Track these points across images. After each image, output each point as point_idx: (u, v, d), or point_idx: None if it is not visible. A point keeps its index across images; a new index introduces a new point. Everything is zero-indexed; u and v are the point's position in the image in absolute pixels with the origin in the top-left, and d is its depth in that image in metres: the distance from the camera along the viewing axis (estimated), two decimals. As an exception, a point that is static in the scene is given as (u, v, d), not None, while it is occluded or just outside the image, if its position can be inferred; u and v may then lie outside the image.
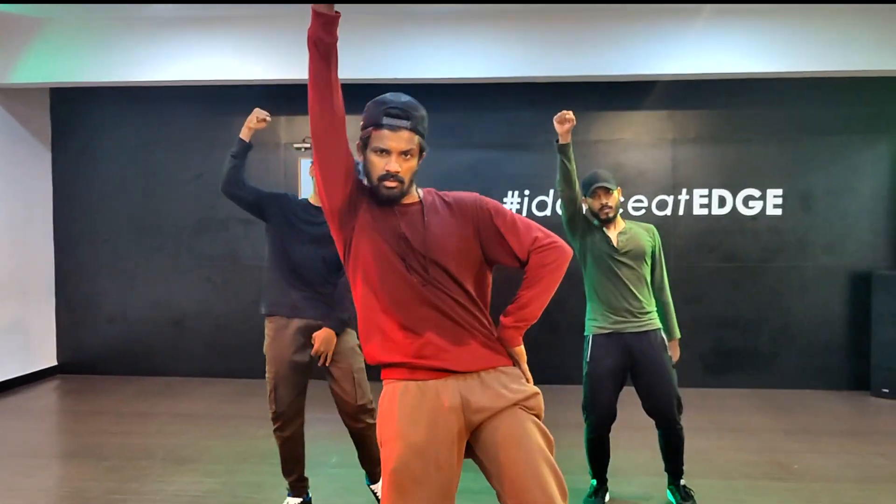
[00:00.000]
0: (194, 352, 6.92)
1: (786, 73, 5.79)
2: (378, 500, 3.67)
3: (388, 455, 2.03)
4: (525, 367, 2.21)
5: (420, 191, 2.20)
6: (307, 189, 7.03)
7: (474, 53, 5.92)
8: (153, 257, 6.95)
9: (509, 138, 6.61)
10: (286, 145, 6.81)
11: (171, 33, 6.10)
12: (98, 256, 6.99)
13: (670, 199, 6.47)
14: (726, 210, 6.45)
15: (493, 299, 2.26)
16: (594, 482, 3.82)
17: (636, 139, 6.51)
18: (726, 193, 6.45)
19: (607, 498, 3.84)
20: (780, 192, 6.40)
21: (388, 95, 2.10)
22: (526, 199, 6.58)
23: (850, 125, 6.31)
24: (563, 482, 1.99)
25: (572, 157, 3.55)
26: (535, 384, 2.17)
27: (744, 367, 6.45)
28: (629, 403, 3.97)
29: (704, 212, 6.45)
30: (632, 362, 3.60)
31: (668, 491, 3.84)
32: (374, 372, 2.33)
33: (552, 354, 6.27)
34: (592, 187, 3.63)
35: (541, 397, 2.13)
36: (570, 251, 2.18)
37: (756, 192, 6.42)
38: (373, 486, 3.76)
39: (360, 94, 6.65)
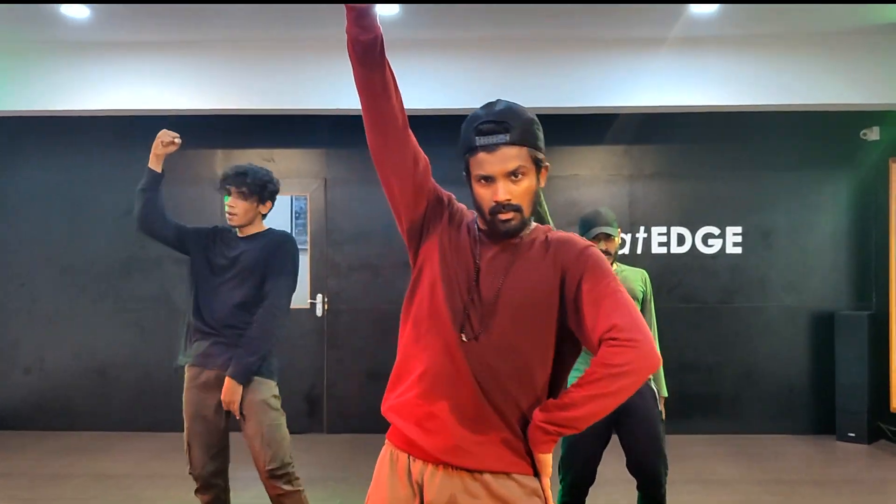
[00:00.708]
0: (119, 404, 6.52)
1: (744, 106, 5.76)
2: None
3: None
4: (547, 482, 1.73)
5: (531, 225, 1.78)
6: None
7: (426, 84, 5.74)
8: (75, 301, 6.55)
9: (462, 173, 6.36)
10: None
11: (95, 60, 5.83)
12: (13, 301, 6.57)
13: (627, 237, 6.35)
14: (685, 248, 6.35)
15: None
16: None
17: (592, 175, 6.41)
18: (685, 231, 6.36)
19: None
20: (739, 229, 6.33)
21: (480, 108, 1.72)
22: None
23: (809, 161, 6.29)
24: None
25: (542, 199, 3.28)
26: None
27: (706, 413, 6.30)
28: (609, 458, 3.67)
29: (663, 250, 6.34)
30: (618, 414, 3.27)
31: None
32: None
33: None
34: (593, 232, 3.34)
35: None
36: (652, 359, 1.58)
37: (715, 230, 6.34)
38: None
39: (297, 127, 6.43)
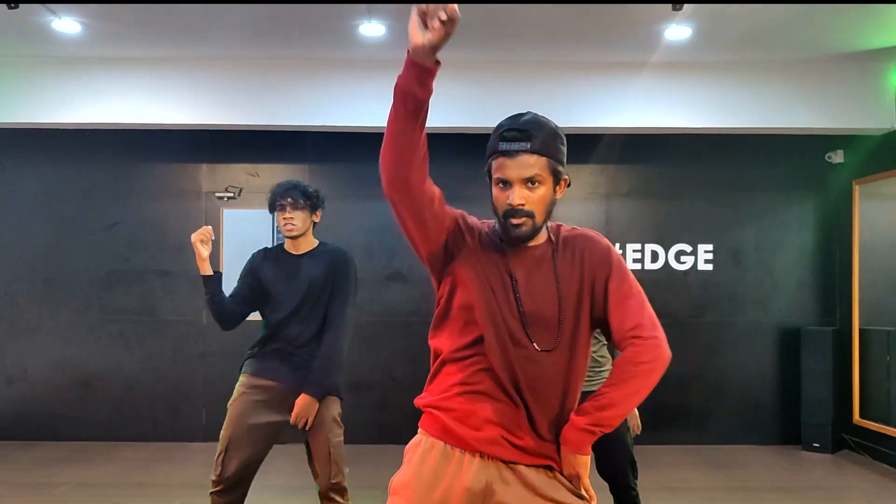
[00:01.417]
0: (102, 414, 6.54)
1: (716, 129, 5.99)
2: None
3: None
4: (587, 480, 1.84)
5: (548, 225, 1.90)
6: (230, 242, 6.78)
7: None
8: (58, 312, 6.56)
9: (442, 190, 6.48)
10: (207, 194, 6.59)
11: (83, 73, 5.92)
12: None
13: (603, 253, 6.45)
14: (659, 265, 6.53)
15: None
16: None
17: (569, 192, 6.39)
18: (659, 248, 6.54)
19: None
20: (710, 247, 6.52)
21: (507, 118, 1.83)
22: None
23: (777, 182, 6.51)
24: None
25: None
26: None
27: (677, 424, 6.47)
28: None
29: (637, 266, 6.50)
30: None
31: None
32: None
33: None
34: None
35: None
36: (669, 354, 1.79)
37: (688, 248, 6.53)
38: None
39: (282, 143, 6.52)
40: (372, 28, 5.18)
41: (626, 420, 3.52)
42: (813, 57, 5.75)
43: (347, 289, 3.33)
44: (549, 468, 1.81)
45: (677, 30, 5.21)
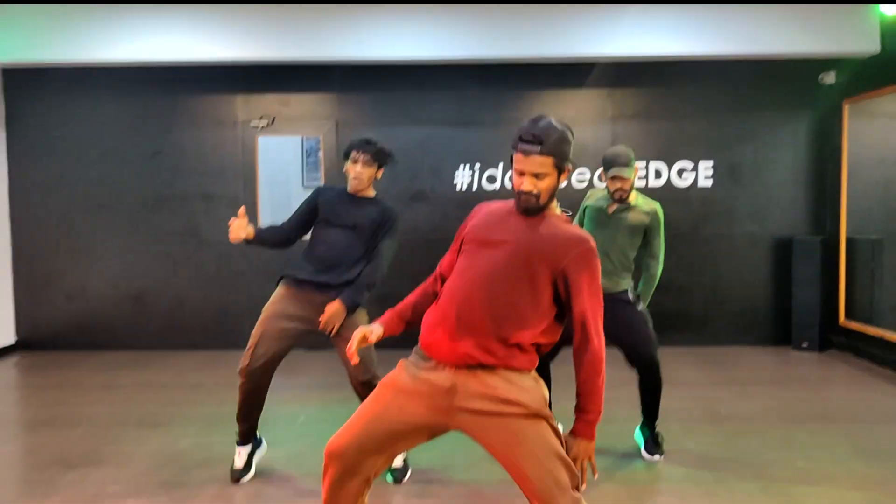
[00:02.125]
0: (155, 326, 7.01)
1: (713, 55, 6.26)
2: None
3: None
4: (587, 464, 2.28)
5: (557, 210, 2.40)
6: (264, 167, 7.23)
7: (424, 35, 6.19)
8: (111, 235, 6.97)
9: (458, 116, 6.89)
10: (243, 123, 6.90)
11: (126, 13, 6.19)
12: (55, 235, 6.99)
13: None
14: (662, 181, 6.85)
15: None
16: None
17: (578, 116, 6.83)
18: (662, 166, 6.86)
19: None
20: (710, 164, 6.84)
21: (528, 121, 2.28)
22: (476, 173, 6.87)
23: (772, 103, 6.77)
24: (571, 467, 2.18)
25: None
26: None
27: (679, 328, 6.89)
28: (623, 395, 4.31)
29: (642, 183, 6.82)
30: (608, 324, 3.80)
31: (637, 430, 4.14)
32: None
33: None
34: (610, 173, 3.88)
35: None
36: (601, 357, 2.26)
37: (689, 165, 6.85)
38: None
39: (311, 75, 6.86)
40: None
41: (641, 310, 3.97)
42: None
43: (392, 236, 3.71)
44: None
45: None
